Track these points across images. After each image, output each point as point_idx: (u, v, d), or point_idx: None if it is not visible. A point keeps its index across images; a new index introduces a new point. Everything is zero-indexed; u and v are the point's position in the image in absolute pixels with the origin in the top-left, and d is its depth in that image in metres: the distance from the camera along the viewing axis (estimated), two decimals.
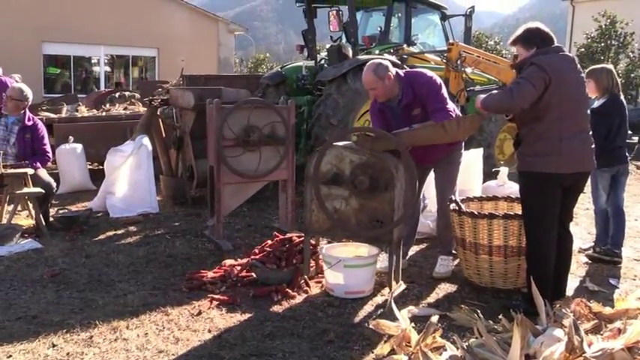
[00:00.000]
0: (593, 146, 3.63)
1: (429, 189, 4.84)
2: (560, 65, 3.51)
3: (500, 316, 3.28)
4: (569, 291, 4.01)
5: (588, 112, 3.69)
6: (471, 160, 5.90)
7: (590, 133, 3.66)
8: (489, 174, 6.35)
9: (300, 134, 7.57)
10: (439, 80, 4.23)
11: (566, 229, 3.76)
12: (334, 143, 4.07)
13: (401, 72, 4.26)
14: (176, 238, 5.48)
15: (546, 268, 3.59)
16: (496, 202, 4.75)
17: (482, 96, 3.68)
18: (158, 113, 7.14)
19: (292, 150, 5.43)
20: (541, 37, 3.62)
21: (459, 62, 7.91)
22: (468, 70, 8.18)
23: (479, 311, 3.45)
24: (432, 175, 4.62)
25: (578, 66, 3.63)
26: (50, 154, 5.91)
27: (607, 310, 3.18)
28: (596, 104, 4.87)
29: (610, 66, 5.02)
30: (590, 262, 4.95)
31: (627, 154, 5.00)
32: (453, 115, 4.09)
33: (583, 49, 26.03)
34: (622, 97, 4.92)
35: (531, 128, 3.55)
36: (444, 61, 8.07)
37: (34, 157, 5.74)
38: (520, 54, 3.68)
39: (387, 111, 4.29)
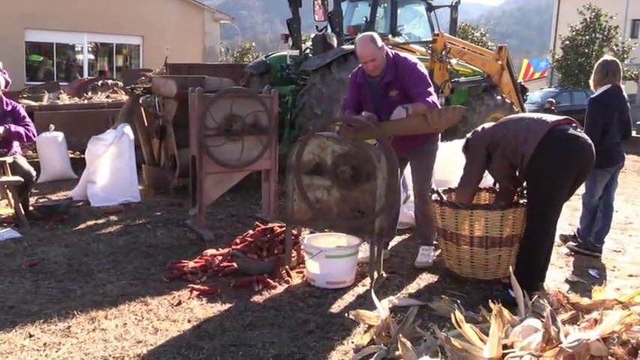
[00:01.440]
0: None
1: (410, 180, 4.83)
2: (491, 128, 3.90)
3: (480, 307, 3.29)
4: (549, 281, 4.04)
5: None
6: (455, 150, 5.90)
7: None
8: None
9: (284, 124, 7.55)
10: (424, 69, 4.22)
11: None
12: (317, 133, 4.05)
13: (389, 50, 4.24)
14: (157, 228, 5.45)
15: (541, 258, 3.63)
16: (478, 194, 4.75)
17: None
18: (140, 102, 7.08)
19: (275, 140, 5.40)
20: None
21: (443, 53, 7.91)
22: (453, 61, 8.19)
23: (459, 302, 3.46)
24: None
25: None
26: (33, 129, 5.75)
27: (584, 301, 3.20)
28: (596, 93, 4.87)
29: (610, 57, 5.01)
30: (571, 253, 4.99)
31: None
32: (437, 102, 4.08)
33: (568, 42, 26.17)
34: (623, 90, 4.87)
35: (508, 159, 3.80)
36: (429, 52, 8.07)
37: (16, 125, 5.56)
38: None
39: (367, 88, 4.27)
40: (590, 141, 3.66)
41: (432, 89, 4.13)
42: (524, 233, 3.83)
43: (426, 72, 4.20)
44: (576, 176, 3.65)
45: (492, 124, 4.04)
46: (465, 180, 4.02)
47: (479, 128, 4.04)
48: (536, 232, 3.68)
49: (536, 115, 3.88)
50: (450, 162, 5.68)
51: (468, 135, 4.08)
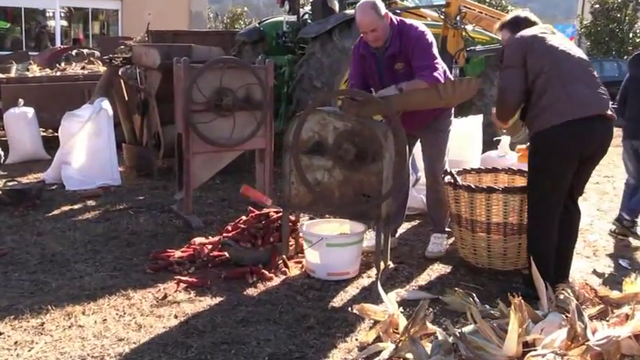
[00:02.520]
0: (602, 89, 3.60)
1: (421, 160, 4.83)
2: (531, 32, 3.63)
3: (497, 300, 3.31)
4: (574, 272, 4.05)
5: (584, 58, 3.71)
6: (470, 128, 5.91)
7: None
8: (489, 143, 6.36)
9: (280, 98, 7.52)
10: (431, 38, 4.19)
11: (574, 203, 3.78)
12: (317, 108, 4.04)
13: (394, 18, 4.21)
14: (140, 214, 5.45)
15: (548, 247, 3.61)
16: (496, 175, 4.76)
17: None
18: (120, 73, 7.04)
19: (270, 116, 5.38)
20: (528, 24, 3.75)
21: (458, 18, 7.84)
22: (469, 27, 8.13)
23: (474, 295, 3.48)
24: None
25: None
26: None
27: (614, 294, 3.20)
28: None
29: None
30: (597, 240, 5.00)
31: None
32: (441, 75, 4.05)
33: (597, 6, 25.99)
34: None
35: (531, 91, 3.56)
36: (442, 17, 8.01)
37: None
38: (504, 40, 3.85)
39: (371, 59, 4.26)
40: (603, 124, 3.60)
41: (437, 62, 4.10)
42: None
43: (432, 41, 4.17)
44: (581, 160, 3.60)
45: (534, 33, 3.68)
46: (503, 90, 3.67)
47: (518, 35, 3.71)
48: (531, 226, 3.70)
49: (593, 79, 3.62)
50: (464, 140, 5.70)
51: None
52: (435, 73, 4.02)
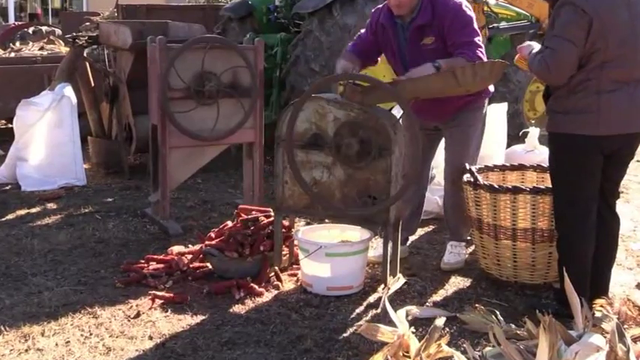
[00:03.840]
0: None
1: (438, 156, 4.82)
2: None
3: (524, 319, 3.30)
4: (614, 287, 4.05)
5: None
6: (493, 118, 5.89)
7: None
8: (515, 136, 6.35)
9: (272, 83, 7.50)
10: (471, 12, 4.19)
11: (610, 208, 3.78)
12: (314, 95, 4.04)
13: None
14: (109, 219, 5.45)
15: (582, 259, 3.61)
16: (523, 173, 4.76)
17: (534, 47, 3.66)
18: (85, 55, 7.03)
19: (260, 104, 5.38)
20: None
21: None
22: (491, 1, 8.12)
23: (498, 312, 3.48)
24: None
25: None
26: None
27: None
28: None
29: None
30: None
31: None
32: (484, 55, 4.06)
33: None
34: None
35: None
36: None
37: None
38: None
39: (391, 31, 4.21)
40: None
41: (479, 39, 4.11)
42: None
43: (473, 16, 4.17)
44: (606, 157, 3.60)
45: None
46: (553, 47, 3.46)
47: None
48: (561, 236, 3.72)
49: None
50: (487, 132, 5.67)
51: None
52: (479, 52, 4.03)
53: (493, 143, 5.83)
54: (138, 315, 3.68)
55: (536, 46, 3.67)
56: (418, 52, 4.13)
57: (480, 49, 4.07)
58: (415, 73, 3.94)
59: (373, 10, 4.44)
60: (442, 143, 4.62)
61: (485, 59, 4.07)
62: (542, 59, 3.46)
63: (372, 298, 3.99)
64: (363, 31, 4.46)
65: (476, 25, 4.18)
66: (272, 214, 4.35)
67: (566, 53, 3.40)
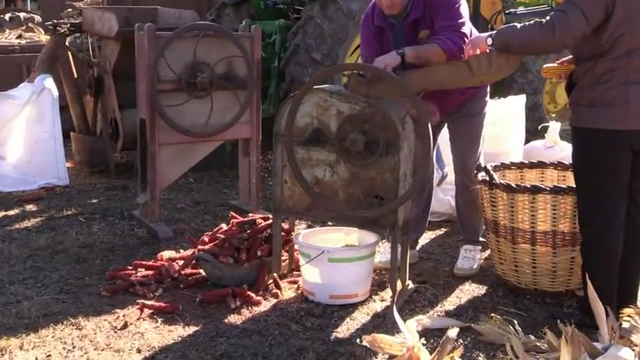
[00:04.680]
0: None
1: (448, 152, 4.82)
2: None
3: (545, 329, 3.31)
4: None
5: None
6: (509, 111, 5.90)
7: None
8: (534, 131, 6.35)
9: (270, 74, 7.51)
10: None
11: (638, 207, 3.78)
12: (316, 87, 4.04)
13: None
14: (93, 222, 5.46)
15: (609, 265, 3.61)
16: (542, 171, 4.76)
17: (485, 34, 3.71)
18: (67, 44, 7.04)
19: (257, 97, 5.39)
20: None
21: None
22: None
23: (515, 322, 3.48)
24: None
25: None
26: None
27: None
28: None
29: None
30: None
31: None
32: (460, 41, 4.03)
33: None
34: None
35: (589, 68, 3.53)
36: None
37: None
38: None
39: (388, 30, 4.24)
40: None
41: (462, 23, 4.06)
42: None
43: (462, 1, 4.17)
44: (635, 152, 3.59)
45: None
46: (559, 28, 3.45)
47: None
48: (585, 241, 3.71)
49: None
50: (502, 127, 5.69)
51: None
52: (456, 37, 3.99)
53: (510, 139, 5.84)
54: (125, 326, 3.67)
55: (487, 33, 3.78)
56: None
57: (459, 34, 4.01)
58: (379, 62, 3.94)
59: (363, 18, 4.43)
60: (445, 139, 4.64)
61: (458, 45, 3.98)
62: (549, 21, 3.45)
63: (379, 307, 3.99)
64: (363, 50, 4.45)
65: (463, 10, 4.12)
66: (270, 216, 4.35)
67: (575, 21, 3.39)
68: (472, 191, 4.46)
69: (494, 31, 3.74)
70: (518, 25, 3.61)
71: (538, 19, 3.55)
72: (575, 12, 3.39)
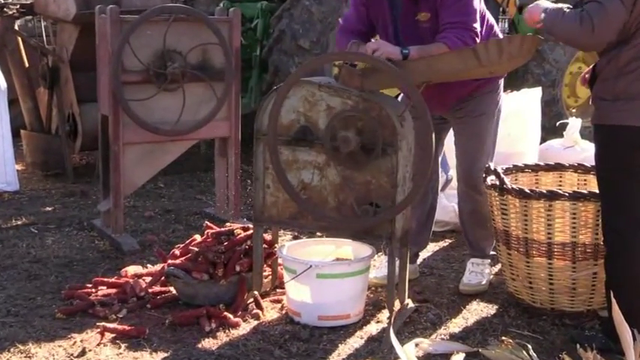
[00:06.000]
0: None
1: (453, 155, 4.84)
2: None
3: (563, 355, 3.32)
4: None
5: None
6: (523, 106, 5.92)
7: None
8: (552, 129, 6.37)
9: (251, 64, 7.52)
10: None
11: None
12: (303, 78, 4.04)
13: None
14: (47, 232, 5.45)
15: (636, 282, 3.62)
16: (560, 174, 4.77)
17: (547, 5, 3.66)
18: (16, 28, 7.03)
19: (237, 89, 5.40)
20: None
21: None
22: None
23: (530, 347, 3.48)
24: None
25: None
26: None
27: None
28: None
29: None
30: None
31: None
32: (472, 40, 4.04)
33: None
34: None
35: (612, 58, 3.55)
36: None
37: None
38: None
39: (385, 2, 4.24)
40: None
41: (472, 19, 4.08)
42: None
43: None
44: None
45: None
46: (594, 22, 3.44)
47: None
48: (610, 253, 3.72)
49: None
50: (516, 124, 5.70)
51: None
52: (467, 36, 4.01)
53: (524, 138, 5.86)
54: (83, 353, 3.66)
55: (549, 5, 3.68)
56: (413, 30, 4.15)
57: (470, 32, 4.03)
58: (378, 47, 3.96)
59: None
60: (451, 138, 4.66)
61: (470, 44, 4.00)
62: (586, 14, 3.43)
63: (374, 330, 3.99)
64: (347, 12, 4.47)
65: (476, 2, 4.14)
66: (250, 226, 4.36)
67: (615, 11, 3.39)
68: (479, 200, 4.46)
69: (549, 7, 3.65)
70: (565, 10, 3.56)
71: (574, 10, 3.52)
72: (610, 1, 3.37)
